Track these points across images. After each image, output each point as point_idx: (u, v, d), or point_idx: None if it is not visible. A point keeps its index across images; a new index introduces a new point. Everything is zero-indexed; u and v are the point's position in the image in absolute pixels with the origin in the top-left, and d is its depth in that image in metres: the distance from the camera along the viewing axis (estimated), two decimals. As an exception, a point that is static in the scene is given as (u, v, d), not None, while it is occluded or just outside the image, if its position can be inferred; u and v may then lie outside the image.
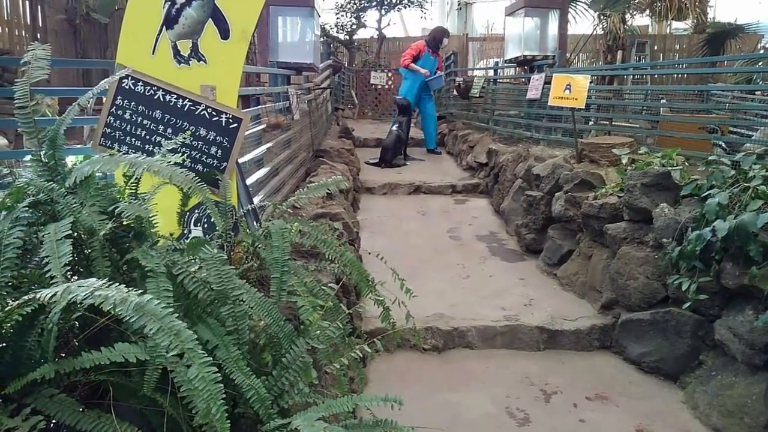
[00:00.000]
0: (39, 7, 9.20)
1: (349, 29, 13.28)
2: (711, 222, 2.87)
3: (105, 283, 1.16)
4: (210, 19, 2.44)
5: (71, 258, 1.34)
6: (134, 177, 1.72)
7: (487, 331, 3.48)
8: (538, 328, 3.48)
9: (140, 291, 1.17)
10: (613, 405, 2.93)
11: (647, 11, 11.98)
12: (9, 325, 1.25)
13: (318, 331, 1.71)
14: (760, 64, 8.18)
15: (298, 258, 2.80)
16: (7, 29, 8.72)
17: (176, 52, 2.44)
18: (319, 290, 2.00)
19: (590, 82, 4.89)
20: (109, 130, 2.35)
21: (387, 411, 1.59)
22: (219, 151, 2.40)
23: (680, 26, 14.12)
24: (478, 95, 8.57)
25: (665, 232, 3.21)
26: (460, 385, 3.09)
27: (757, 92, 6.04)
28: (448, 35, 8.86)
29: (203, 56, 2.45)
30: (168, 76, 2.39)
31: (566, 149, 5.36)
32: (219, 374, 1.19)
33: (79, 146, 3.89)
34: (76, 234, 1.48)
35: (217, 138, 2.40)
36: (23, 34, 9.00)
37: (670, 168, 3.53)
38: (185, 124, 2.36)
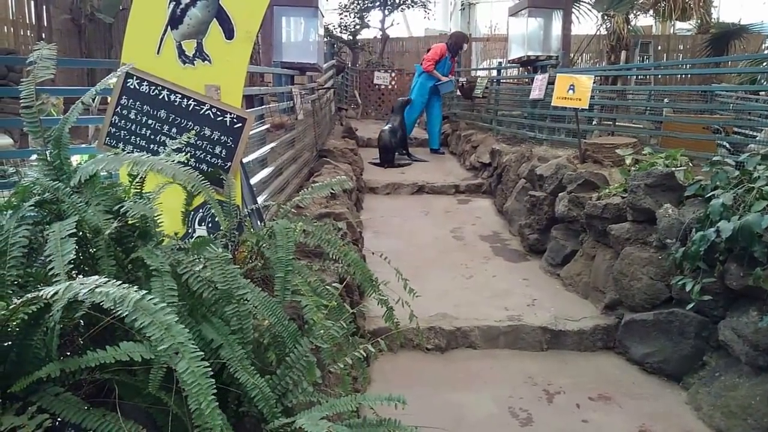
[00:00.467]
0: (44, 7, 9.23)
1: (352, 29, 13.27)
2: (715, 223, 2.86)
3: (105, 280, 1.16)
4: (214, 19, 2.44)
5: (75, 256, 1.35)
6: (139, 176, 1.73)
7: (490, 331, 3.48)
8: (541, 328, 3.48)
9: (143, 290, 1.18)
10: (616, 405, 2.93)
11: (651, 11, 11.94)
12: (14, 323, 1.25)
13: (322, 331, 1.72)
14: (765, 64, 8.16)
15: (302, 257, 2.80)
16: (12, 29, 8.75)
17: (181, 52, 2.45)
18: (322, 290, 2.00)
19: (594, 83, 4.88)
20: (113, 130, 2.36)
21: (390, 410, 1.59)
22: (223, 150, 2.41)
23: (684, 26, 14.07)
24: (481, 95, 8.57)
25: (669, 233, 3.21)
26: (462, 385, 3.09)
27: (761, 93, 6.02)
28: (468, 40, 8.90)
29: (208, 56, 2.46)
30: (173, 75, 2.40)
31: (569, 150, 5.35)
32: (210, 369, 1.18)
33: (83, 145, 3.90)
34: (81, 233, 1.49)
35: (222, 138, 2.40)
36: (28, 33, 9.04)
37: (673, 168, 3.52)
38: (190, 123, 2.37)
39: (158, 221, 1.67)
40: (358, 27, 13.31)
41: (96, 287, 1.12)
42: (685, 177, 3.50)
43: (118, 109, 2.35)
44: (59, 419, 1.24)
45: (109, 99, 2.38)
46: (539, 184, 4.85)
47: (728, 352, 2.90)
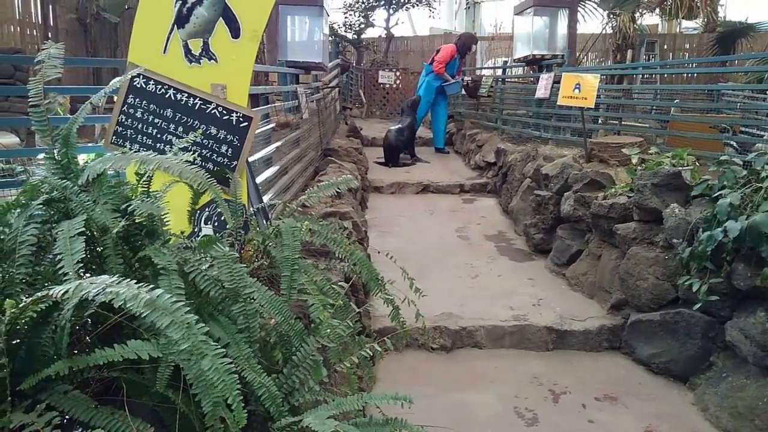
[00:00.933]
0: (50, 6, 9.27)
1: (357, 28, 13.28)
2: (722, 222, 2.85)
3: (116, 279, 1.17)
4: (221, 18, 2.45)
5: (84, 255, 1.35)
6: (146, 175, 1.73)
7: (495, 331, 3.48)
8: (547, 328, 3.47)
9: (151, 287, 1.18)
10: (622, 406, 2.92)
11: (657, 10, 11.88)
12: (23, 321, 1.26)
13: (328, 330, 1.72)
14: (772, 63, 8.11)
15: (307, 256, 2.80)
16: (18, 28, 8.80)
17: (187, 51, 2.45)
18: (329, 289, 2.00)
19: (599, 82, 4.86)
20: (120, 129, 2.36)
21: (396, 409, 1.59)
22: (229, 149, 2.41)
23: (690, 25, 14.02)
24: (486, 94, 8.55)
25: (676, 233, 3.19)
26: (468, 384, 3.08)
27: (768, 92, 5.98)
28: (476, 41, 8.91)
29: (214, 55, 2.46)
30: (179, 74, 2.40)
31: (575, 149, 5.34)
32: (232, 365, 1.20)
33: (90, 144, 3.92)
34: (89, 232, 1.49)
35: (228, 136, 2.41)
36: (34, 33, 9.08)
37: (680, 168, 3.50)
38: (196, 122, 2.37)
39: (165, 220, 1.67)
40: (362, 26, 13.31)
41: (107, 287, 1.12)
42: (692, 176, 3.48)
43: (125, 108, 2.36)
44: (68, 417, 1.24)
45: (115, 98, 2.39)
46: (545, 184, 4.84)
47: (735, 353, 2.88)
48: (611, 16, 10.07)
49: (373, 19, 13.52)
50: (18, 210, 1.49)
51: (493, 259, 4.72)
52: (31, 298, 1.21)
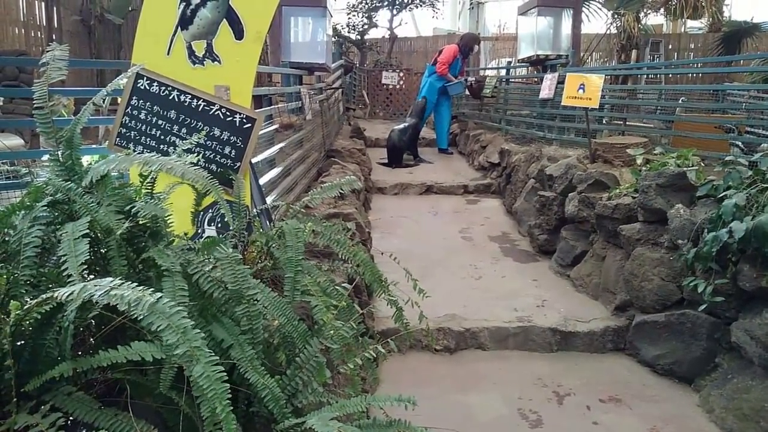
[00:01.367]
0: (54, 8, 9.31)
1: (360, 29, 13.28)
2: (727, 223, 2.83)
3: (120, 282, 1.17)
4: (224, 19, 2.45)
5: (88, 257, 1.35)
6: (150, 176, 1.74)
7: (499, 332, 3.47)
8: (551, 329, 3.46)
9: (156, 291, 1.18)
10: (626, 407, 2.91)
11: (662, 10, 11.85)
12: (28, 323, 1.26)
13: (332, 331, 1.71)
14: (777, 63, 8.07)
15: (311, 258, 2.80)
16: (23, 30, 8.84)
17: (191, 53, 2.45)
18: (332, 290, 2.00)
19: (604, 82, 4.85)
20: (124, 130, 2.37)
21: (400, 411, 1.58)
22: (233, 151, 2.41)
23: (695, 25, 13.96)
24: (490, 95, 8.54)
25: (680, 234, 3.18)
26: (472, 386, 3.08)
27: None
28: (479, 42, 8.89)
29: (218, 57, 2.47)
30: (183, 76, 2.40)
31: (579, 149, 5.32)
32: (225, 373, 1.19)
33: (94, 146, 3.93)
34: (93, 233, 1.49)
35: (231, 138, 2.41)
36: (39, 35, 9.12)
37: (685, 168, 3.49)
38: (200, 124, 2.37)
39: (169, 221, 1.67)
40: (366, 27, 13.31)
41: (111, 289, 1.13)
42: (697, 177, 3.46)
43: (129, 109, 2.36)
44: (72, 418, 1.25)
45: (119, 99, 2.39)
46: (549, 184, 4.83)
47: (741, 354, 2.87)
48: (615, 16, 10.05)
49: (377, 20, 13.53)
50: (23, 212, 1.50)
51: (497, 260, 4.71)
52: (35, 300, 1.21)
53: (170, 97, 2.37)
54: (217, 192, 1.68)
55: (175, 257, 1.50)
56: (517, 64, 8.44)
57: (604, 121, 6.10)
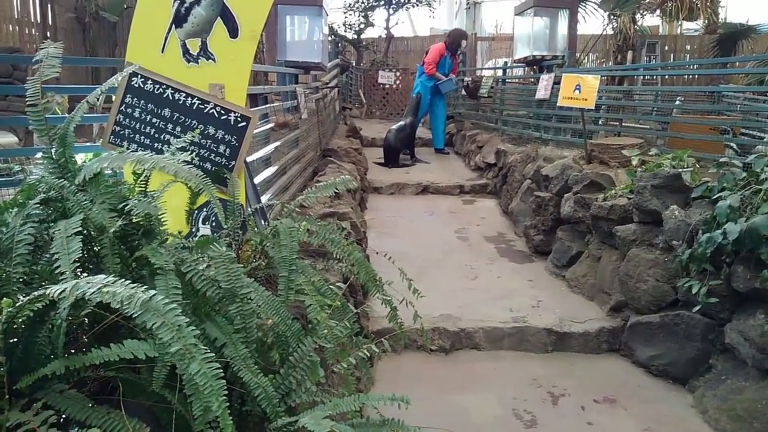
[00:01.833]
0: (48, 5, 9.26)
1: (357, 28, 13.28)
2: (722, 224, 2.84)
3: (113, 280, 1.16)
4: (219, 17, 2.44)
5: (81, 255, 1.35)
6: (143, 174, 1.73)
7: (494, 333, 3.47)
8: (546, 330, 3.46)
9: (149, 289, 1.18)
10: (621, 408, 2.91)
11: (658, 11, 11.89)
12: (20, 320, 1.25)
13: (325, 330, 1.71)
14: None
15: (305, 257, 2.80)
16: (17, 27, 8.79)
17: (185, 51, 2.45)
18: (326, 289, 1.99)
19: (600, 83, 4.86)
20: (118, 128, 2.36)
21: (394, 410, 1.58)
22: (227, 149, 2.41)
23: (691, 26, 14.01)
24: (486, 95, 8.55)
25: (675, 235, 3.19)
26: (467, 386, 3.08)
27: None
28: (467, 37, 8.86)
29: (212, 55, 2.46)
30: (177, 74, 2.40)
31: (575, 150, 5.33)
32: (221, 370, 1.18)
33: (88, 144, 3.91)
34: (86, 231, 1.49)
35: (226, 136, 2.40)
36: (33, 32, 9.07)
37: (680, 170, 3.50)
38: (194, 122, 2.37)
39: (162, 220, 1.67)
40: (362, 26, 13.31)
41: (103, 287, 1.12)
42: (692, 178, 3.48)
43: (123, 107, 2.35)
44: (64, 416, 1.24)
45: (113, 97, 2.38)
46: (545, 185, 4.84)
47: (735, 355, 2.88)
48: (612, 17, 10.07)
49: (373, 19, 13.52)
50: (15, 209, 1.48)
51: (492, 261, 4.72)
52: (28, 298, 1.20)
53: (164, 96, 2.36)
54: (209, 191, 1.67)
55: (168, 256, 1.50)
56: (514, 64, 8.45)
57: (600, 122, 6.12)
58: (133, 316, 1.14)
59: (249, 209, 2.45)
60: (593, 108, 4.96)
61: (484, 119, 8.74)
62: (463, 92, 8.96)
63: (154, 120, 2.36)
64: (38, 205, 1.52)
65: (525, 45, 7.29)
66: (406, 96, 11.18)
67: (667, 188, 3.40)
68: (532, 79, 7.65)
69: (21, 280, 1.37)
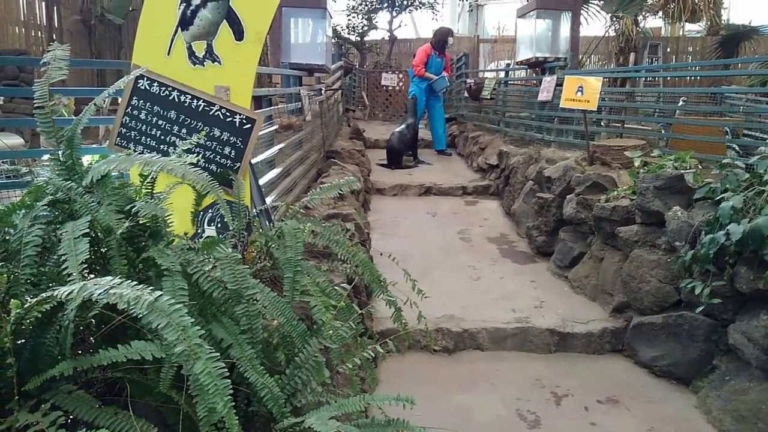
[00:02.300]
0: (55, 8, 9.31)
1: (360, 30, 13.30)
2: (725, 225, 2.85)
3: (120, 281, 1.17)
4: (224, 20, 2.46)
5: (88, 256, 1.36)
6: (150, 176, 1.74)
7: (497, 333, 3.48)
8: (549, 330, 3.47)
9: (156, 290, 1.19)
10: (624, 409, 2.92)
11: (660, 13, 11.89)
12: (28, 322, 1.27)
13: (331, 331, 1.72)
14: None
15: (310, 258, 2.81)
16: (23, 30, 8.84)
17: (191, 53, 2.46)
18: (331, 290, 2.00)
19: (602, 85, 4.86)
20: (124, 130, 2.37)
21: (398, 411, 1.59)
22: (233, 151, 2.42)
23: (693, 28, 14.00)
24: (489, 97, 8.56)
25: (678, 236, 3.19)
26: (470, 386, 3.08)
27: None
28: (452, 35, 8.86)
29: (218, 57, 2.47)
30: (183, 76, 2.41)
31: (578, 151, 5.34)
32: (225, 370, 1.19)
33: (94, 146, 3.93)
34: (93, 233, 1.50)
35: (231, 138, 2.41)
36: (39, 35, 9.12)
37: (683, 171, 3.51)
38: (200, 124, 2.38)
39: (169, 221, 1.68)
40: (366, 28, 13.33)
41: (110, 288, 1.13)
42: (695, 179, 3.48)
43: (129, 109, 2.37)
44: (72, 417, 1.25)
45: (119, 100, 2.40)
46: (547, 186, 4.84)
47: (738, 356, 2.88)
48: (614, 18, 10.08)
49: (376, 22, 13.55)
50: (23, 211, 1.50)
51: (495, 262, 4.72)
52: (35, 299, 1.21)
53: (170, 98, 2.37)
54: (216, 193, 1.69)
55: (175, 257, 1.51)
56: (516, 66, 8.46)
57: (602, 124, 6.12)
58: (140, 317, 1.15)
59: (254, 211, 2.46)
60: (595, 109, 4.96)
61: (487, 121, 8.74)
62: (466, 94, 8.96)
63: (160, 122, 2.37)
64: (46, 207, 1.54)
65: (527, 47, 7.30)
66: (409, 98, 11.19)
67: (670, 189, 3.40)
68: (535, 81, 7.65)
69: (29, 281, 1.38)
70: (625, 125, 5.88)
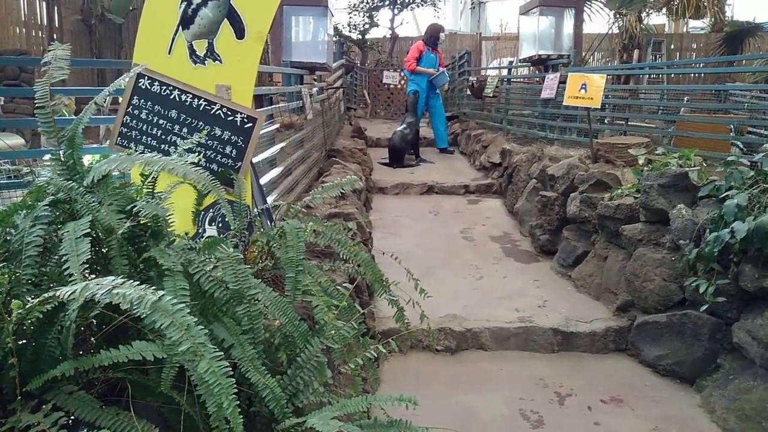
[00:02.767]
0: (55, 7, 9.32)
1: (361, 29, 13.28)
2: (729, 223, 2.83)
3: (122, 281, 1.17)
4: (225, 19, 2.45)
5: (89, 256, 1.35)
6: (151, 176, 1.73)
7: (500, 333, 3.47)
8: (553, 329, 3.45)
9: (157, 290, 1.18)
10: (628, 408, 2.90)
11: (664, 10, 11.85)
12: (30, 322, 1.26)
13: (332, 331, 1.71)
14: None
15: (312, 258, 2.80)
16: (23, 30, 8.85)
17: (192, 52, 2.45)
18: (333, 290, 1.99)
19: (606, 82, 4.84)
20: (125, 130, 2.37)
21: (401, 411, 1.58)
22: (234, 150, 2.41)
23: (697, 25, 13.95)
24: (491, 95, 8.54)
25: (682, 234, 3.17)
26: (473, 386, 3.07)
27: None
28: (444, 30, 8.89)
29: (219, 56, 2.47)
30: (184, 75, 2.40)
31: (581, 149, 5.32)
32: (230, 368, 1.19)
33: (95, 145, 3.93)
34: (94, 233, 1.49)
35: (232, 137, 2.41)
36: (40, 34, 9.13)
37: (687, 169, 3.49)
38: (201, 123, 2.37)
39: (170, 221, 1.67)
40: (367, 26, 13.31)
41: (113, 288, 1.13)
42: (699, 177, 3.46)
43: (130, 109, 2.36)
44: (73, 417, 1.24)
45: (120, 99, 2.39)
46: (550, 185, 4.83)
47: (742, 355, 2.86)
48: (617, 15, 10.05)
49: (378, 20, 13.53)
50: (24, 211, 1.49)
51: (498, 261, 4.71)
52: (37, 299, 1.21)
53: (171, 97, 2.37)
54: (218, 192, 1.68)
55: (176, 257, 1.50)
56: (519, 63, 8.43)
57: (606, 121, 6.10)
58: (142, 317, 1.14)
59: (255, 210, 2.46)
60: (599, 107, 4.94)
61: (489, 119, 8.72)
62: (468, 92, 8.94)
63: (160, 121, 2.37)
64: (47, 207, 1.53)
65: (530, 44, 7.27)
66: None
67: (674, 187, 3.39)
68: (538, 79, 7.63)
69: (30, 281, 1.37)
70: (629, 123, 5.86)
